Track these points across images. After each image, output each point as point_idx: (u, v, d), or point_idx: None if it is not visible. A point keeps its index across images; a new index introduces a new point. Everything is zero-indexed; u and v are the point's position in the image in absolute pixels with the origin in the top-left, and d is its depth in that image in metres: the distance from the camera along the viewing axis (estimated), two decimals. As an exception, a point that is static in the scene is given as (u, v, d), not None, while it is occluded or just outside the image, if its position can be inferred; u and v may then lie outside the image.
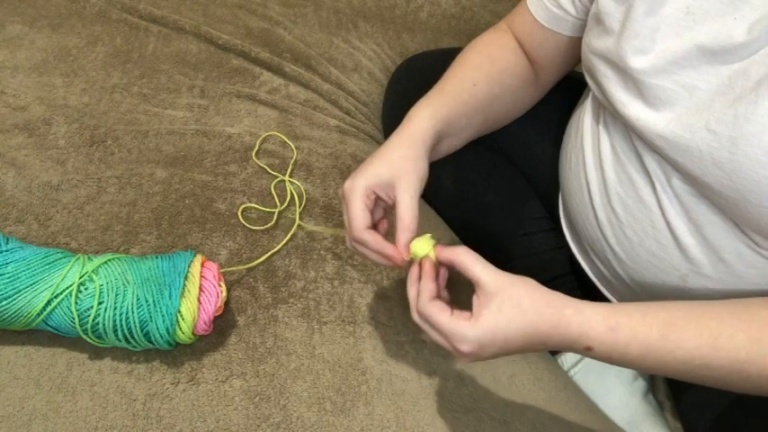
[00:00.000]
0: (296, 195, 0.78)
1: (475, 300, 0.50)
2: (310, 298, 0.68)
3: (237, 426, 0.56)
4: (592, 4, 0.62)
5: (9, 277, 0.54)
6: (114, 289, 0.56)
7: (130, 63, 0.90)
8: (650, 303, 0.50)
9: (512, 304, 0.48)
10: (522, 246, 0.82)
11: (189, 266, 0.59)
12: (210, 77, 0.91)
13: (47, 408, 0.54)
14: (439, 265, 0.54)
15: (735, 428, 0.65)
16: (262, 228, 0.74)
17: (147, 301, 0.55)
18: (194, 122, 0.84)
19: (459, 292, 0.56)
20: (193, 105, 0.86)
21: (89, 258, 0.58)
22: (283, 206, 0.77)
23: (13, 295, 0.54)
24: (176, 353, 0.60)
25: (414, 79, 0.90)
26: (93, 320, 0.55)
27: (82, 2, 0.97)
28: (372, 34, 1.06)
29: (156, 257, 0.60)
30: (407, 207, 0.56)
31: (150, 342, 0.56)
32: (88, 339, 0.56)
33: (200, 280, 0.58)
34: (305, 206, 0.77)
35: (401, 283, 0.72)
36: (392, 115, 0.92)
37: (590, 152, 0.65)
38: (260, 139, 0.84)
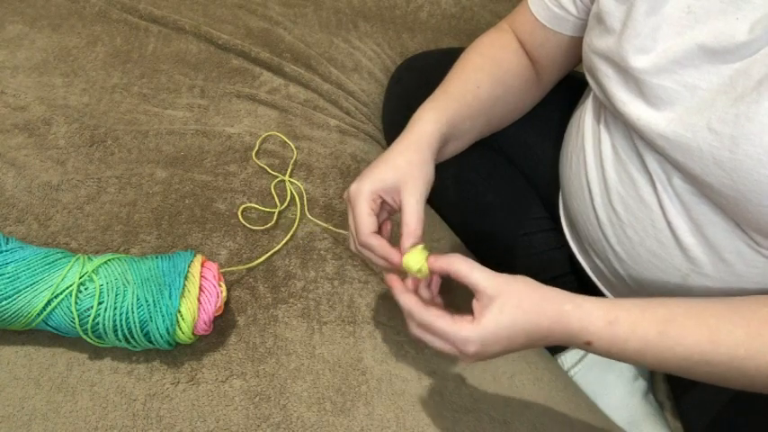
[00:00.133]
0: (296, 195, 0.78)
1: (475, 303, 0.50)
2: (310, 298, 0.68)
3: (237, 426, 0.56)
4: (593, 3, 0.62)
5: (9, 277, 0.54)
6: (114, 289, 0.56)
7: (130, 63, 0.90)
8: (650, 299, 0.50)
9: (513, 304, 0.49)
10: (522, 246, 0.81)
11: (189, 266, 0.59)
12: (210, 77, 0.91)
13: (47, 408, 0.54)
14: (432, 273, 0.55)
15: (734, 428, 0.65)
16: (262, 228, 0.73)
17: (147, 301, 0.55)
18: (194, 122, 0.84)
19: (456, 296, 0.57)
20: (193, 105, 0.86)
21: (89, 258, 0.58)
22: (283, 206, 0.76)
23: (13, 295, 0.54)
24: (176, 353, 0.60)
25: (414, 79, 0.90)
26: (93, 320, 0.55)
27: (82, 2, 0.97)
28: (372, 34, 1.06)
29: (156, 257, 0.60)
30: (413, 212, 0.56)
31: (150, 342, 0.56)
32: (88, 339, 0.56)
33: (201, 280, 0.58)
34: (305, 206, 0.77)
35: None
36: (392, 115, 0.92)
37: (591, 152, 0.65)
38: (260, 139, 0.84)
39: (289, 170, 0.81)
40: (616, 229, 0.63)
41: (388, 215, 0.61)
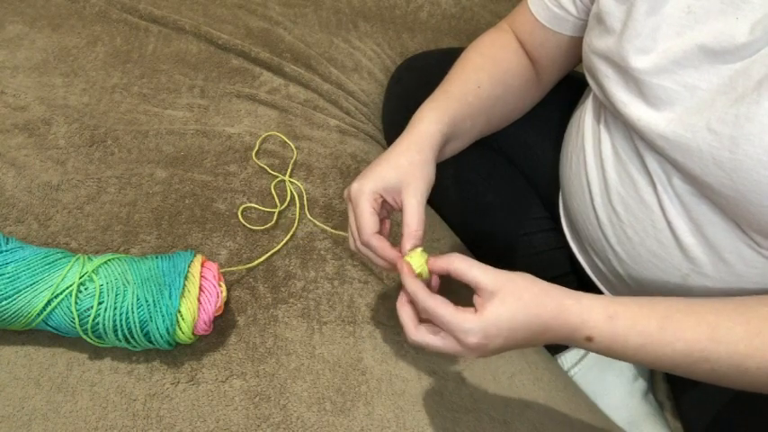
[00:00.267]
0: (296, 195, 0.78)
1: (476, 299, 0.50)
2: (310, 298, 0.68)
3: (237, 426, 0.56)
4: (593, 3, 0.62)
5: (9, 277, 0.54)
6: (114, 289, 0.56)
7: (130, 63, 0.90)
8: (650, 297, 0.50)
9: (514, 297, 0.49)
10: (522, 246, 0.82)
11: (189, 266, 0.59)
12: (210, 77, 0.91)
13: (47, 408, 0.54)
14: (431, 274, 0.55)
15: (734, 428, 0.65)
16: (262, 228, 0.73)
17: (147, 301, 0.55)
18: (194, 122, 0.84)
19: (456, 298, 0.56)
20: (193, 105, 0.86)
21: (89, 258, 0.58)
22: (283, 206, 0.76)
23: (13, 295, 0.54)
24: (176, 353, 0.60)
25: (414, 79, 0.90)
26: (93, 320, 0.55)
27: (82, 2, 0.97)
28: (372, 34, 1.06)
29: (156, 257, 0.60)
30: (414, 213, 0.56)
31: (150, 342, 0.56)
32: (88, 339, 0.56)
33: (201, 280, 0.58)
34: (305, 206, 0.77)
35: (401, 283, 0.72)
36: (392, 115, 0.92)
37: (591, 152, 0.65)
38: (260, 139, 0.84)
39: (289, 170, 0.81)
40: (616, 229, 0.63)
41: (388, 214, 0.61)
